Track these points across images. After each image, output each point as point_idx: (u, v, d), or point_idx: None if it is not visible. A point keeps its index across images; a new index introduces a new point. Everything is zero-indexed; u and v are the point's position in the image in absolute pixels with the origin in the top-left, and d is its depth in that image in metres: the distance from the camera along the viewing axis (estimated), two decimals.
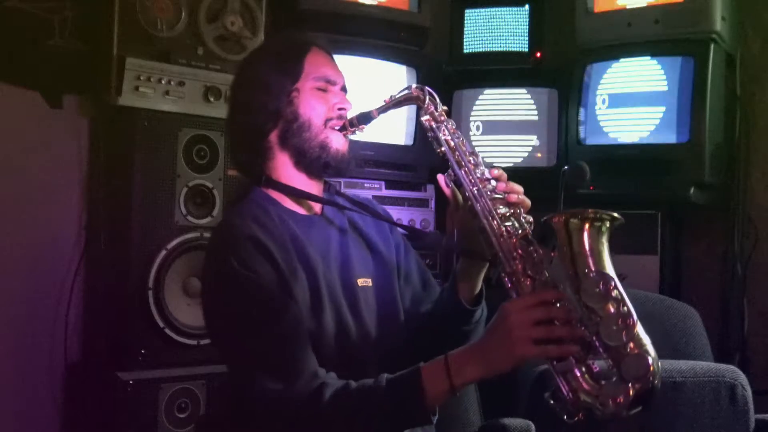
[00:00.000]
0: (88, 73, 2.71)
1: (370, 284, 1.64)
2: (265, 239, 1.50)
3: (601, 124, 3.16)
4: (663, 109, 3.03)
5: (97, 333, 2.75)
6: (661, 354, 2.26)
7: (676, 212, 3.20)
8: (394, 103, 1.61)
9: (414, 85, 1.60)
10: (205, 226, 2.68)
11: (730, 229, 3.20)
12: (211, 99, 2.71)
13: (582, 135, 3.20)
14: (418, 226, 3.26)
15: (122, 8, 2.57)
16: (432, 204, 3.34)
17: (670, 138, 3.02)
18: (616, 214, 1.37)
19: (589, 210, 1.37)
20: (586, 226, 1.36)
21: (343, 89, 1.67)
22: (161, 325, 2.58)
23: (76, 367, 2.78)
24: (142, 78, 2.59)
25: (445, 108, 1.58)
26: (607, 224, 1.37)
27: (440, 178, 1.53)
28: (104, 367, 2.60)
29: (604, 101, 3.16)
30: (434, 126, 1.55)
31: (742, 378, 1.88)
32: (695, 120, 2.94)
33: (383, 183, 3.23)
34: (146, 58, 2.61)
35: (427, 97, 1.57)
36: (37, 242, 2.74)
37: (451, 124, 1.56)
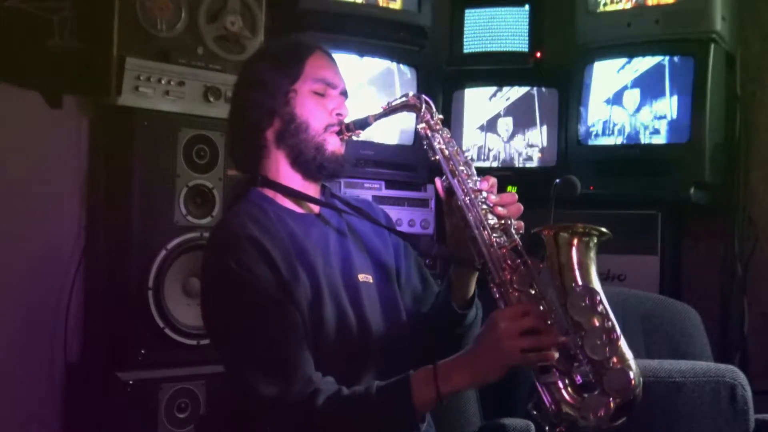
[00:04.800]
0: (88, 73, 2.71)
1: (371, 281, 1.64)
2: (263, 240, 1.50)
3: (601, 124, 3.16)
4: (663, 108, 3.03)
5: (97, 333, 2.75)
6: (661, 354, 2.27)
7: (676, 212, 3.20)
8: (391, 110, 1.61)
9: (411, 93, 1.61)
10: (205, 226, 2.67)
11: (730, 229, 3.20)
12: (211, 99, 2.71)
13: (582, 135, 3.20)
14: (418, 226, 3.27)
15: (122, 8, 2.57)
16: (432, 204, 3.34)
17: (670, 138, 3.02)
18: (604, 230, 1.39)
19: (579, 224, 1.39)
20: (575, 240, 1.38)
21: (344, 94, 1.67)
22: (161, 325, 2.58)
23: (76, 367, 2.78)
24: (142, 78, 2.59)
25: (441, 116, 1.59)
26: (596, 239, 1.39)
27: (437, 181, 1.55)
28: (104, 367, 2.60)
29: (604, 101, 3.17)
30: (429, 134, 1.56)
31: (742, 378, 1.88)
32: (695, 120, 2.95)
33: (383, 183, 3.23)
34: (146, 58, 2.60)
35: (424, 105, 1.57)
36: (37, 242, 2.74)
37: (446, 133, 1.57)
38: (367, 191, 3.15)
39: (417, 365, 1.61)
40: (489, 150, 3.44)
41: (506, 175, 3.27)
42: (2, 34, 2.65)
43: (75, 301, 2.78)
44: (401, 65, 3.30)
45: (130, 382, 2.52)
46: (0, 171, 2.67)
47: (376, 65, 3.24)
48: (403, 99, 1.60)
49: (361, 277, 1.62)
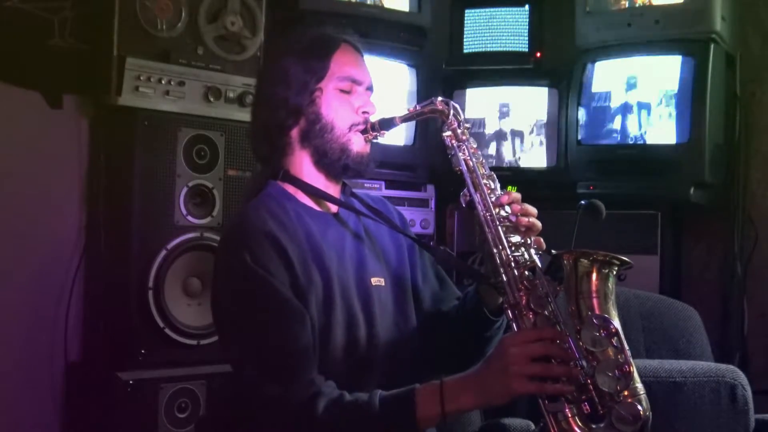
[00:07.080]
0: (88, 73, 2.71)
1: (383, 284, 1.63)
2: (282, 238, 1.49)
3: (601, 124, 3.16)
4: (663, 108, 3.03)
5: (97, 333, 2.75)
6: (661, 354, 2.27)
7: (676, 212, 3.20)
8: (417, 114, 1.60)
9: (439, 98, 1.58)
10: (205, 226, 2.67)
11: (730, 229, 3.20)
12: (211, 99, 2.71)
13: (582, 135, 3.20)
14: (418, 226, 3.27)
15: (122, 8, 2.57)
16: (432, 204, 3.34)
17: (670, 138, 3.02)
18: (626, 259, 1.38)
19: (600, 252, 1.38)
20: (595, 267, 1.37)
21: (369, 89, 1.66)
22: (161, 325, 2.58)
23: (76, 367, 2.78)
24: (142, 78, 2.59)
25: (468, 125, 1.56)
26: (616, 269, 1.38)
27: (461, 199, 1.53)
28: (104, 367, 2.60)
29: (603, 101, 3.17)
30: (456, 144, 1.54)
31: (742, 378, 1.88)
32: (695, 120, 2.95)
33: (383, 183, 3.23)
34: (146, 58, 2.60)
35: (452, 112, 1.55)
36: (37, 242, 2.74)
37: (472, 143, 1.55)
38: (367, 191, 3.14)
39: (432, 364, 1.61)
40: (489, 150, 3.44)
41: (506, 174, 3.27)
42: (2, 34, 2.64)
43: (75, 301, 2.78)
44: (401, 65, 3.30)
45: (130, 382, 2.51)
46: (0, 171, 2.67)
47: (376, 65, 3.23)
48: (431, 105, 1.57)
49: (374, 280, 1.61)
